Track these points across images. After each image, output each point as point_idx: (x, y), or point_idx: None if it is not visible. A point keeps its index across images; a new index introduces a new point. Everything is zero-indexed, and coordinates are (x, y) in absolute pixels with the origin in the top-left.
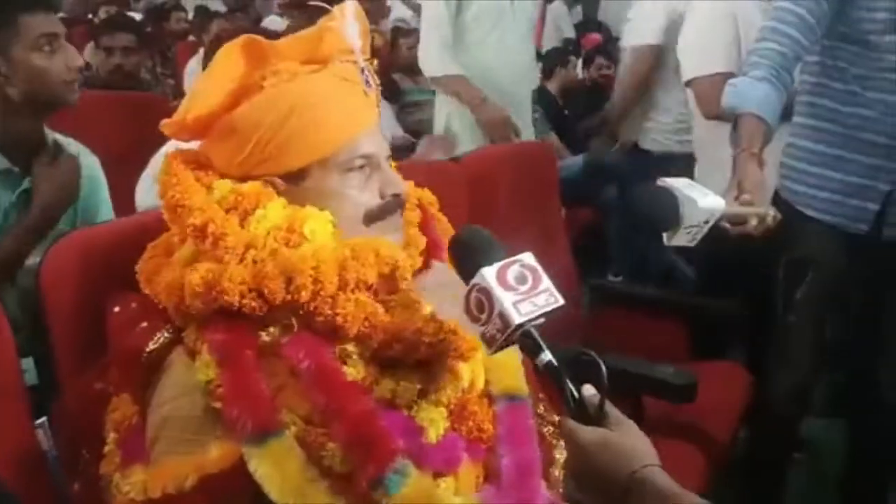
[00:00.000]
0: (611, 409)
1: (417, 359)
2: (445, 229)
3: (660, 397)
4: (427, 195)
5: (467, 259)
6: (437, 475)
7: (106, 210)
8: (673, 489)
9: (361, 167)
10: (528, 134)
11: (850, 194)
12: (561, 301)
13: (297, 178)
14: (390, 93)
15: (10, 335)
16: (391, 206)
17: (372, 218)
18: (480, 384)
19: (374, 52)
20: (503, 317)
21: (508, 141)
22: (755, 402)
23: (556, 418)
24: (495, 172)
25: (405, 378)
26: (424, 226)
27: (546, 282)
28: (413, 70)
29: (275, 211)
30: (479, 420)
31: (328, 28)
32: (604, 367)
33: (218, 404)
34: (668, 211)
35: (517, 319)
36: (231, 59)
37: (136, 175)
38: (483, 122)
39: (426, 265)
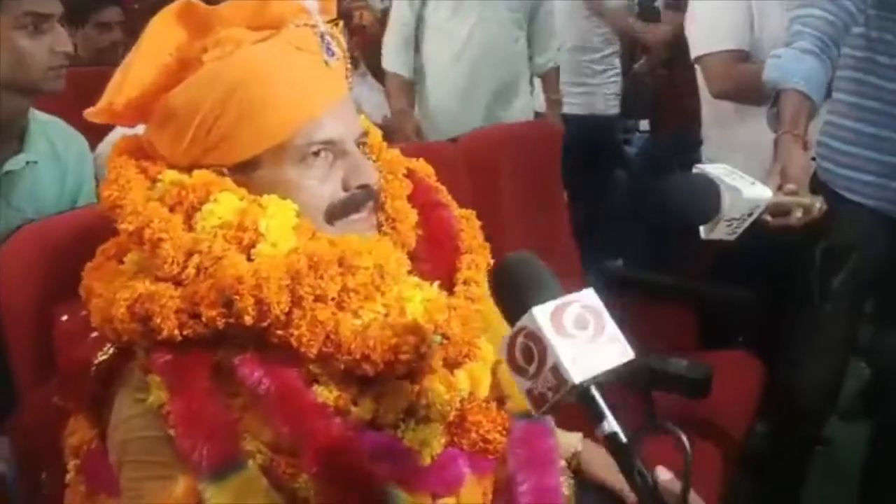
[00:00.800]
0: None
1: (398, 376)
2: (450, 203)
3: (673, 392)
4: (423, 166)
5: (513, 294)
6: (437, 497)
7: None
8: None
9: (318, 153)
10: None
11: (892, 176)
12: (631, 354)
13: (248, 169)
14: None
15: None
16: (357, 200)
17: (334, 215)
18: (483, 392)
19: (361, 30)
20: (557, 373)
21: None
22: (771, 395)
23: None
24: (497, 154)
25: (388, 395)
26: (416, 194)
27: (612, 327)
28: None
29: (225, 204)
30: (483, 431)
31: None
32: (688, 445)
33: (172, 432)
34: (709, 201)
35: (576, 379)
36: (166, 28)
37: None
38: (393, 124)
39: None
